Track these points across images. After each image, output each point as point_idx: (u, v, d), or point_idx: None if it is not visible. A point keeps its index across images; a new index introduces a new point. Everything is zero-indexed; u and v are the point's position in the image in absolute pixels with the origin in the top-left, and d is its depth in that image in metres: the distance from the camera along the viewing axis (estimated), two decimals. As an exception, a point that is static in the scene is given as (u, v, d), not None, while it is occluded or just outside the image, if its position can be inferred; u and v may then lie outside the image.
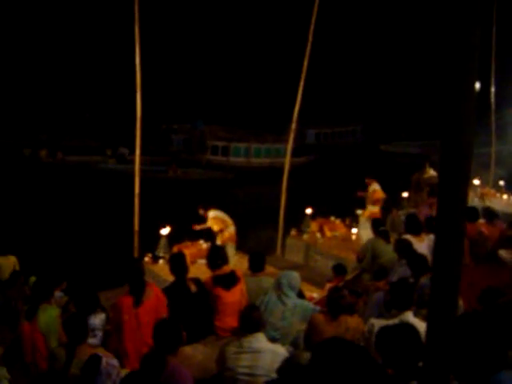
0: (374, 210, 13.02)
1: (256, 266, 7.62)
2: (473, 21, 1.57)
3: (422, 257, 7.43)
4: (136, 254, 11.14)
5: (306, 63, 13.12)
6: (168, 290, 6.77)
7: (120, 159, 30.85)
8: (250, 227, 16.95)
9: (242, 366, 5.16)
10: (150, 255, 11.56)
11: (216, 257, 7.27)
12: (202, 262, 10.14)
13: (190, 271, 7.29)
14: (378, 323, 5.23)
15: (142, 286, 6.25)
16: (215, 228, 11.62)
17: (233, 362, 5.20)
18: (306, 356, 4.08)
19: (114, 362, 4.85)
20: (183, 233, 12.17)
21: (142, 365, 4.66)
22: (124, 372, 4.85)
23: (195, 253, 11.49)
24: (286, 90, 15.61)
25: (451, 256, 1.81)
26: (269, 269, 10.82)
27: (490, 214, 10.93)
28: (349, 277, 9.37)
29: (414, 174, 15.69)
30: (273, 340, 6.19)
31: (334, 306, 5.91)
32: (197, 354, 6.20)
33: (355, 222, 13.75)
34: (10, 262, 10.76)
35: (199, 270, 9.91)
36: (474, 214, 10.46)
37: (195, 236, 12.07)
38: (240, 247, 12.29)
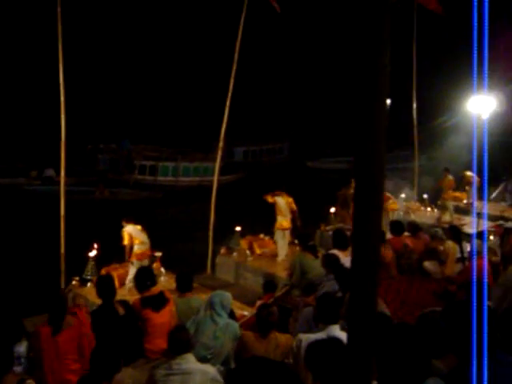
0: (282, 221, 13.14)
1: (184, 287, 7.56)
2: (382, 40, 1.62)
3: (348, 271, 7.53)
4: (63, 278, 10.93)
5: (232, 82, 13.21)
6: (95, 314, 6.65)
7: (46, 181, 30.13)
8: (179, 246, 16.87)
9: (172, 388, 5.11)
10: (77, 278, 11.35)
11: (144, 278, 7.19)
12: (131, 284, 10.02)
13: (118, 293, 7.20)
14: (305, 338, 5.28)
15: (62, 315, 6.09)
16: (125, 241, 11.49)
17: (163, 385, 5.15)
18: None
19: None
20: (111, 254, 12.01)
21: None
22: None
23: (123, 274, 11.35)
24: (212, 109, 15.65)
25: (368, 271, 1.84)
26: (198, 288, 10.87)
27: (414, 228, 11.24)
28: (278, 293, 9.42)
29: (341, 189, 15.95)
30: (204, 360, 6.16)
31: (263, 323, 5.93)
32: (126, 378, 6.09)
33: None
34: None
35: (130, 291, 9.83)
36: (399, 227, 10.74)
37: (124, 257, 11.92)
38: (169, 267, 12.22)
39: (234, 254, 13.58)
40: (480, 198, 15.24)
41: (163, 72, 48.60)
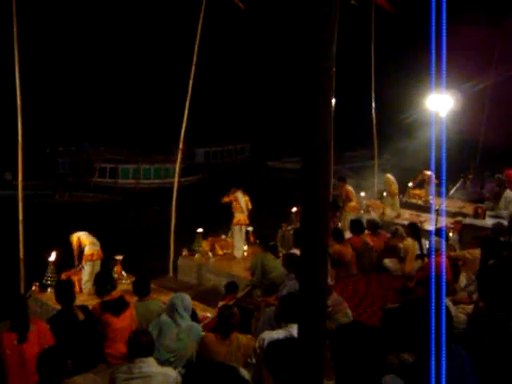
0: (240, 216, 13.19)
1: (142, 291, 7.53)
2: (325, 42, 1.62)
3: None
4: (22, 283, 10.75)
5: (190, 83, 13.18)
6: (54, 320, 6.57)
7: (4, 185, 29.61)
8: (140, 249, 16.74)
9: (133, 392, 5.07)
10: (37, 284, 11.18)
11: (104, 282, 7.13)
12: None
13: (78, 298, 7.12)
14: (267, 337, 5.29)
15: (26, 323, 6.00)
16: (73, 246, 11.36)
17: (124, 389, 5.10)
18: None
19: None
20: (72, 259, 11.85)
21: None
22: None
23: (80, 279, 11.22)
24: (173, 110, 15.57)
25: (316, 268, 1.85)
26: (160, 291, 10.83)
27: (374, 225, 11.35)
28: (240, 294, 9.42)
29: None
30: (168, 362, 6.14)
31: (224, 324, 5.93)
32: (87, 383, 6.02)
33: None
34: None
35: (90, 296, 9.72)
36: (359, 226, 10.84)
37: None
38: (130, 270, 12.12)
39: (196, 255, 13.53)
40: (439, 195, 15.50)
41: (123, 73, 48.12)
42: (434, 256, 8.41)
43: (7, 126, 12.52)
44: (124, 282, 11.51)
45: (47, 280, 11.19)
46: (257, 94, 48.21)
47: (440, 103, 15.40)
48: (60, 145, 34.92)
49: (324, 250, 1.87)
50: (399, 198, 17.42)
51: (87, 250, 11.13)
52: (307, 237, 1.85)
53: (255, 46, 50.26)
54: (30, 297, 10.90)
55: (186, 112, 13.24)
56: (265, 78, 48.90)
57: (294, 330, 5.41)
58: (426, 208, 16.94)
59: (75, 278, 11.15)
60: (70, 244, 11.37)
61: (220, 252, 13.60)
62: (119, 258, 12.09)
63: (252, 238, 13.62)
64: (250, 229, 13.79)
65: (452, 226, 13.44)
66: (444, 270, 8.00)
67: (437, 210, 13.18)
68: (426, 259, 9.56)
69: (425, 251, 9.89)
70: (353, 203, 15.61)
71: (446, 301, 5.77)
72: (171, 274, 13.68)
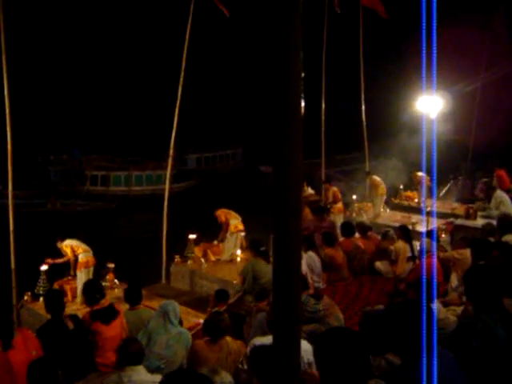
0: (236, 223, 13.29)
1: (133, 299, 7.50)
2: (293, 48, 1.62)
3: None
4: (14, 293, 10.71)
5: (180, 89, 13.17)
6: (43, 330, 6.53)
7: (-4, 194, 29.54)
8: (133, 257, 16.71)
9: (123, 401, 5.05)
10: (29, 293, 11.13)
11: (93, 291, 7.09)
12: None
13: (71, 307, 7.09)
14: (258, 342, 5.28)
15: (10, 328, 5.96)
16: (68, 255, 11.31)
17: (113, 398, 5.08)
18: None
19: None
20: (64, 267, 11.81)
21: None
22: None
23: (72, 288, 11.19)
24: (164, 117, 15.57)
25: (288, 276, 1.84)
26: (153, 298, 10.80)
27: (363, 228, 11.36)
28: (232, 300, 9.37)
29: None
30: (158, 370, 6.12)
31: (213, 329, 5.91)
32: (77, 392, 6.00)
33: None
34: None
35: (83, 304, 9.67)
36: (349, 229, 10.84)
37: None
38: (123, 278, 12.09)
39: (189, 262, 13.48)
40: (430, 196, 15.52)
41: (113, 81, 48.10)
42: (425, 258, 8.45)
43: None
44: (117, 290, 11.49)
45: (39, 289, 11.14)
46: (248, 98, 48.20)
47: (430, 105, 15.48)
48: (51, 153, 34.90)
49: (297, 252, 1.87)
50: (391, 200, 17.48)
51: (81, 258, 11.10)
52: (279, 240, 1.84)
53: (246, 50, 50.31)
54: (23, 307, 10.87)
55: (176, 118, 13.23)
56: (256, 82, 48.94)
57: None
58: (417, 210, 16.97)
59: (67, 287, 11.13)
60: (60, 253, 11.33)
61: (212, 258, 13.58)
62: (111, 265, 12.06)
63: (244, 243, 13.62)
64: (243, 234, 13.79)
65: (444, 227, 13.47)
66: (435, 272, 8.04)
67: (428, 212, 13.22)
68: (417, 261, 9.57)
69: (416, 253, 9.89)
70: (339, 205, 15.63)
71: (436, 302, 5.79)
72: (164, 280, 13.62)
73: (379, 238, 11.04)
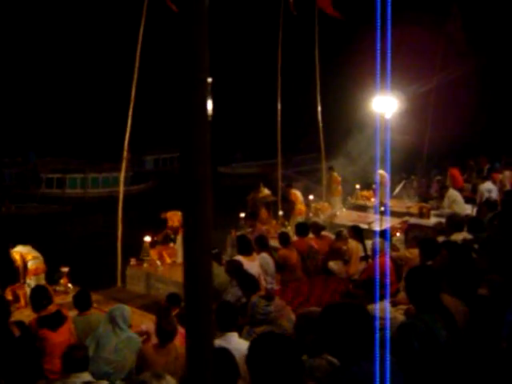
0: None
1: (82, 305, 7.39)
2: (200, 55, 1.59)
3: (251, 277, 7.58)
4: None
5: (133, 90, 13.03)
6: (-13, 337, 6.39)
7: None
8: (88, 260, 16.51)
9: (68, 408, 4.98)
10: (-21, 300, 10.90)
11: (40, 297, 6.97)
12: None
13: (23, 313, 6.96)
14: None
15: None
16: (17, 262, 11.13)
17: (58, 405, 5.01)
18: None
19: None
20: (15, 273, 11.59)
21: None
22: None
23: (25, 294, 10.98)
24: (120, 118, 15.42)
25: (200, 284, 1.81)
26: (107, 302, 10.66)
27: (317, 228, 11.40)
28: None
29: (250, 193, 16.03)
30: (107, 375, 6.05)
31: (160, 334, 5.87)
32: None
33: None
34: None
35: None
36: (303, 229, 10.87)
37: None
38: (77, 282, 11.91)
39: (145, 264, 13.33)
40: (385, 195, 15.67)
41: (68, 82, 47.47)
42: (378, 257, 8.53)
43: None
44: (71, 294, 11.30)
45: (-13, 296, 10.91)
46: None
47: (385, 105, 15.63)
48: (5, 156, 34.31)
49: (207, 255, 1.83)
50: (347, 200, 17.60)
51: (31, 265, 10.88)
52: (189, 244, 1.80)
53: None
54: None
55: (130, 120, 13.10)
56: (215, 83, 48.82)
57: (230, 338, 5.39)
58: (374, 209, 17.09)
59: (20, 292, 10.91)
60: (12, 260, 11.13)
61: (168, 260, 13.45)
62: (65, 269, 11.84)
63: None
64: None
65: (399, 226, 13.60)
66: (388, 271, 8.10)
67: (381, 211, 13.35)
68: (370, 260, 9.65)
69: (369, 252, 9.97)
70: (300, 206, 15.69)
71: (385, 302, 5.83)
72: (120, 284, 13.46)
73: (332, 238, 11.10)
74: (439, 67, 24.04)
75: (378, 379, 2.95)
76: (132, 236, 13.90)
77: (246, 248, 9.15)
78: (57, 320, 6.76)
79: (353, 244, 10.30)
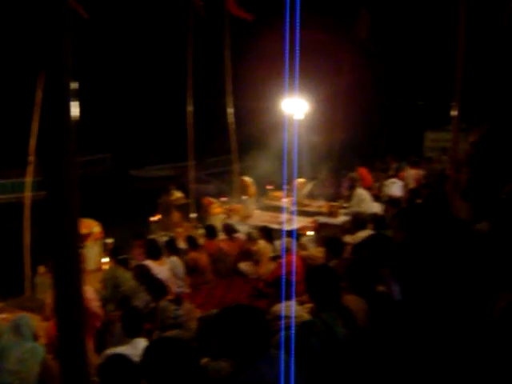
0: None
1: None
2: (61, 60, 1.58)
3: (159, 281, 7.54)
4: None
5: (39, 93, 12.70)
6: None
7: None
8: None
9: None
10: None
11: None
12: None
13: None
14: (111, 352, 5.19)
15: None
16: None
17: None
18: None
19: None
20: None
21: None
22: None
23: None
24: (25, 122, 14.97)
25: (67, 272, 1.78)
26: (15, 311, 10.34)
27: (228, 230, 11.44)
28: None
29: (161, 197, 15.92)
30: (11, 387, 5.88)
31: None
32: None
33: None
34: None
35: None
36: (212, 231, 10.89)
37: None
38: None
39: (54, 272, 13.01)
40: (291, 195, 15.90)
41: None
42: (288, 256, 8.63)
43: None
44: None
45: None
46: (117, 102, 47.38)
47: (295, 106, 15.85)
48: None
49: (75, 258, 1.80)
50: (260, 200, 17.69)
51: None
52: (56, 250, 1.77)
53: (116, 51, 49.39)
54: None
55: (36, 124, 12.79)
56: (126, 85, 48.21)
57: (138, 344, 5.34)
58: (286, 209, 17.25)
59: None
60: None
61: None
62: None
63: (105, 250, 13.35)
64: (110, 241, 13.49)
65: (311, 225, 13.79)
66: (294, 270, 8.19)
67: (291, 211, 13.51)
68: (279, 260, 9.75)
69: (278, 253, 10.08)
70: (216, 207, 15.68)
71: (290, 301, 5.90)
72: (29, 292, 13.09)
73: (243, 239, 11.16)
74: (348, 69, 24.58)
75: (276, 380, 2.98)
76: (40, 243, 13.54)
77: (154, 252, 9.08)
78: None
79: (263, 245, 10.38)
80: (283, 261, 8.60)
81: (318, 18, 21.24)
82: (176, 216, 15.23)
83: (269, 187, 18.74)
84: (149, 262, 8.69)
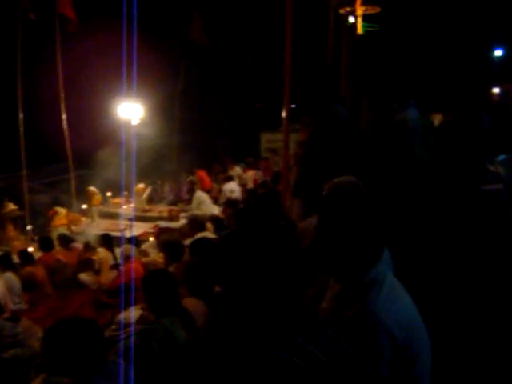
0: None
1: None
2: None
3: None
4: None
5: None
6: None
7: None
8: None
9: None
10: None
11: None
12: None
13: None
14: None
15: None
16: None
17: None
18: None
19: None
20: None
21: None
22: None
23: None
24: None
25: None
26: None
27: (64, 240, 11.14)
28: None
29: (-6, 209, 15.16)
30: None
31: None
32: None
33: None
34: None
35: None
36: (47, 243, 10.54)
37: None
38: None
39: None
40: (129, 201, 15.71)
41: None
42: (128, 263, 8.55)
43: None
44: None
45: None
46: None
47: (131, 111, 15.69)
48: None
49: None
50: (100, 208, 17.33)
51: None
52: None
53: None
54: None
55: None
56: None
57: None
58: (126, 216, 17.00)
59: None
60: None
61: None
62: None
63: None
64: None
65: (152, 231, 13.72)
66: (133, 277, 8.10)
67: (130, 218, 13.38)
68: (120, 268, 9.63)
69: (119, 260, 9.96)
70: (60, 218, 15.15)
71: (136, 308, 5.86)
72: None
73: (81, 248, 10.89)
74: (184, 73, 24.75)
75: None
76: None
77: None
78: None
79: (103, 253, 10.19)
80: (122, 269, 8.52)
81: (151, 22, 21.10)
82: (10, 229, 14.56)
83: (108, 194, 18.37)
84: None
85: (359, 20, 16.76)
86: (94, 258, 10.17)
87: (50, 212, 15.55)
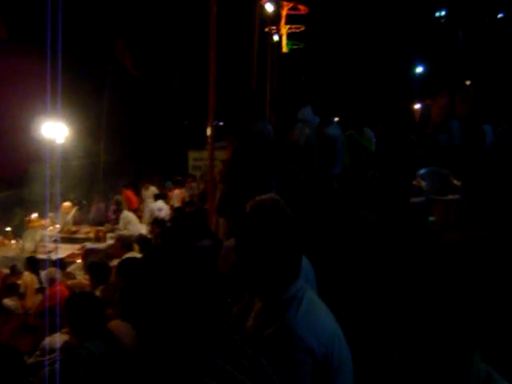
0: None
1: None
2: None
3: None
4: None
5: None
6: None
7: None
8: None
9: None
10: None
11: None
12: None
13: None
14: None
15: None
16: None
17: None
18: None
19: None
20: None
21: None
22: None
23: None
24: None
25: None
26: None
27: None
28: None
29: None
30: None
31: None
32: None
33: None
34: None
35: None
36: None
37: None
38: None
39: None
40: (55, 221, 15.36)
41: None
42: (52, 287, 8.36)
43: None
44: None
45: None
46: None
47: (55, 131, 15.40)
48: None
49: None
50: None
51: None
52: None
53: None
54: None
55: None
56: None
57: None
58: (52, 238, 16.62)
59: None
60: None
61: None
62: None
63: None
64: None
65: (79, 252, 13.45)
66: (59, 301, 7.93)
67: (55, 240, 13.11)
68: (46, 291, 9.39)
69: (44, 284, 9.72)
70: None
71: (61, 333, 5.73)
72: None
73: (5, 273, 10.59)
74: (110, 94, 24.58)
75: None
76: None
77: None
78: None
79: (28, 277, 9.92)
80: (47, 292, 8.32)
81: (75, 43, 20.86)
82: None
83: (33, 215, 17.92)
84: None
85: (284, 38, 17.10)
86: (19, 282, 9.90)
87: None
